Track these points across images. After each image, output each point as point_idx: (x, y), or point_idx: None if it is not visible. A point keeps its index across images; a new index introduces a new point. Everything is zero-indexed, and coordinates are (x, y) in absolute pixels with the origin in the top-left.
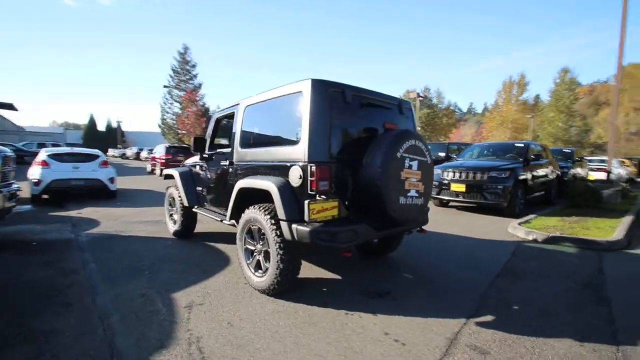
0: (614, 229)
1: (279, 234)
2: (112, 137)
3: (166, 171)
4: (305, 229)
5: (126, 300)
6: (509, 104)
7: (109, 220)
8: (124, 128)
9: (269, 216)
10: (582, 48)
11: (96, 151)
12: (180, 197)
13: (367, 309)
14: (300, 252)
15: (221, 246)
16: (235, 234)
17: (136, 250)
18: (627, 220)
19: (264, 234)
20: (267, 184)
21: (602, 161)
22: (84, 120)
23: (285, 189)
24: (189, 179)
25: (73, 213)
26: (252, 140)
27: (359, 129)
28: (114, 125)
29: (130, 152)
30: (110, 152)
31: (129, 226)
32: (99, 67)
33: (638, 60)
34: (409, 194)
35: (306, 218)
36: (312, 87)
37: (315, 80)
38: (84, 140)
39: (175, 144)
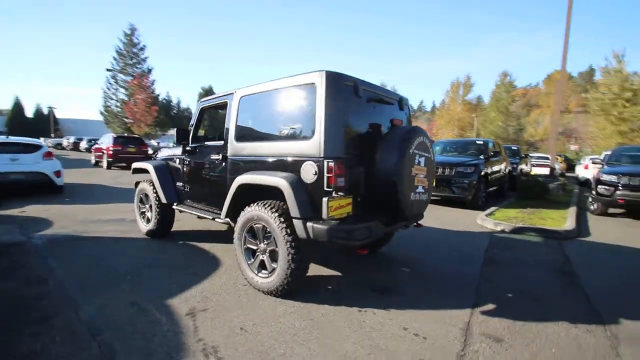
0: (564, 219)
1: (289, 232)
2: (43, 124)
3: (137, 165)
4: (322, 227)
5: (115, 311)
6: (456, 104)
7: (63, 219)
8: (57, 114)
9: (276, 214)
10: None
11: (38, 141)
12: (156, 193)
13: (378, 305)
14: (310, 251)
15: (204, 245)
16: (219, 231)
17: (108, 253)
18: (572, 211)
19: (269, 233)
20: (276, 180)
21: (540, 157)
22: (6, 105)
23: (298, 185)
24: (166, 174)
25: (15, 212)
26: (251, 133)
27: (368, 124)
28: (45, 111)
29: (66, 142)
30: (42, 142)
31: (90, 226)
32: (24, 41)
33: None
34: (417, 190)
35: (325, 216)
36: (327, 79)
37: (330, 72)
38: (8, 128)
39: (125, 134)
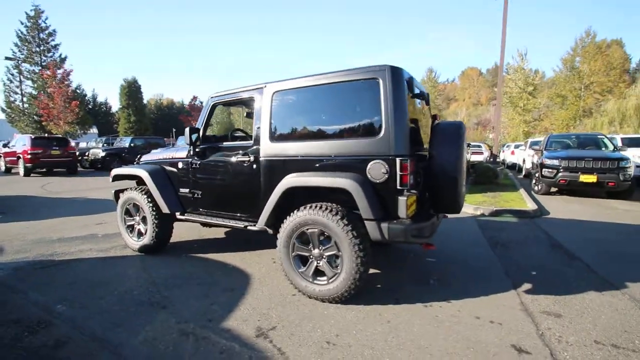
0: (522, 200)
1: (355, 235)
2: None
3: (118, 171)
4: (399, 227)
5: (170, 345)
6: None
7: (10, 242)
8: None
9: (338, 217)
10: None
11: None
12: (152, 202)
13: (437, 298)
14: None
15: (214, 256)
16: (217, 239)
17: (105, 277)
18: (522, 192)
19: (327, 238)
20: (343, 181)
21: (475, 146)
22: None
23: (367, 185)
24: (166, 180)
25: None
26: (294, 132)
27: (416, 119)
28: None
29: None
30: None
31: (55, 247)
32: None
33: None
34: (464, 183)
35: (403, 215)
36: (392, 74)
37: (394, 67)
38: None
39: (46, 135)
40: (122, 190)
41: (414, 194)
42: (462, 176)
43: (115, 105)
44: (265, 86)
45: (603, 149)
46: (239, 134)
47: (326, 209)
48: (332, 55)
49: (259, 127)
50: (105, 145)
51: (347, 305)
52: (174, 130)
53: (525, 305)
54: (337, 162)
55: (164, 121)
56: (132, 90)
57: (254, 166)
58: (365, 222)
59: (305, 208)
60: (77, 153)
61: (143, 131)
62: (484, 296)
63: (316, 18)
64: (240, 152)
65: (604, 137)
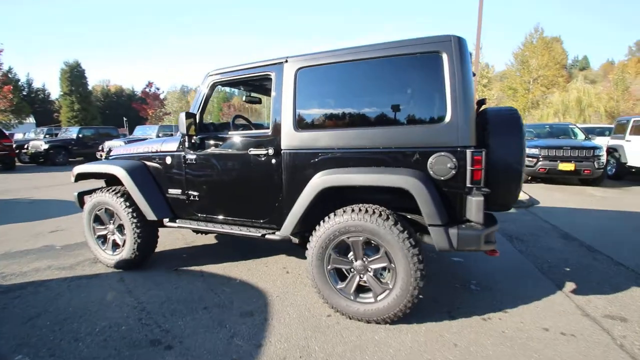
0: None
1: (413, 243)
2: None
3: (84, 168)
4: (472, 233)
5: None
6: None
7: None
8: None
9: (390, 222)
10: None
11: None
12: (132, 207)
13: (492, 308)
14: None
15: (213, 268)
16: (207, 245)
17: (78, 308)
18: None
19: (374, 247)
20: (401, 180)
21: None
22: None
23: (431, 184)
24: (149, 179)
25: None
26: (324, 118)
27: None
28: None
29: None
30: None
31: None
32: None
33: None
34: None
35: (475, 218)
36: (459, 46)
37: (459, 37)
38: None
39: None
40: (88, 192)
41: (486, 193)
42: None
43: (55, 92)
44: (286, 61)
45: (574, 137)
46: (241, 121)
47: (374, 212)
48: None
49: (278, 113)
50: (47, 136)
51: (397, 326)
52: (125, 119)
53: (584, 310)
54: (386, 156)
55: (112, 109)
56: (74, 75)
57: (273, 161)
58: (430, 228)
59: (345, 212)
60: (14, 146)
61: (90, 120)
62: (536, 301)
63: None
64: (255, 143)
65: (574, 126)
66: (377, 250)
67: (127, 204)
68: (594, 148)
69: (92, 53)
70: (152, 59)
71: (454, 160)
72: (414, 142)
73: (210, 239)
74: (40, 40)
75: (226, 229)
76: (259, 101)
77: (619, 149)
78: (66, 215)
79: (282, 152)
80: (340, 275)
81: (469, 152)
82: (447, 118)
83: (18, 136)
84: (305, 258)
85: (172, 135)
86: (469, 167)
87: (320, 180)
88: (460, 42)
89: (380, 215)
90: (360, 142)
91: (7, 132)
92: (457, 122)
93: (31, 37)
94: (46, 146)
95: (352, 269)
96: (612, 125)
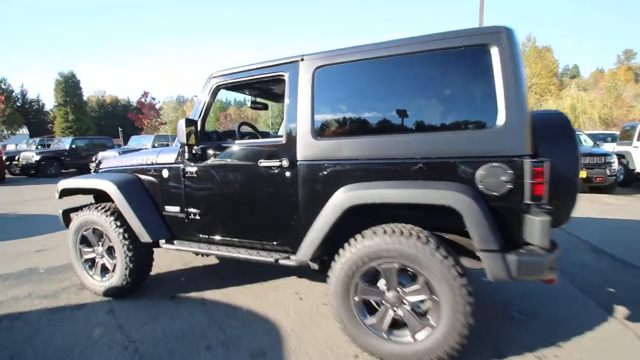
0: None
1: (461, 272)
2: None
3: (69, 183)
4: (535, 260)
5: None
6: None
7: None
8: None
9: (431, 246)
10: None
11: None
12: (123, 228)
13: (543, 341)
14: None
15: (215, 295)
16: (204, 267)
17: (61, 349)
18: None
19: (411, 275)
20: (446, 196)
21: None
22: None
23: (482, 201)
24: (144, 195)
25: None
26: (348, 124)
27: None
28: None
29: None
30: None
31: None
32: None
33: None
34: None
35: (538, 242)
36: (510, 38)
37: (510, 28)
38: None
39: None
40: (74, 210)
41: (549, 211)
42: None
43: (49, 103)
44: (301, 59)
45: (581, 144)
46: (247, 129)
47: (410, 234)
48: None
49: (293, 119)
50: (39, 147)
51: None
52: (120, 129)
53: None
54: (424, 168)
55: (108, 120)
56: (69, 86)
57: (288, 173)
58: (482, 254)
59: (376, 234)
60: (5, 157)
61: (84, 131)
62: (590, 331)
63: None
64: (265, 154)
65: (581, 133)
66: (415, 279)
67: (118, 223)
68: (605, 155)
69: (88, 64)
70: (149, 69)
71: (510, 171)
72: (459, 151)
73: (211, 259)
74: (35, 53)
75: (232, 253)
76: (266, 107)
77: (627, 155)
78: (54, 232)
79: (297, 163)
80: (370, 308)
81: (527, 162)
82: (500, 121)
83: (10, 147)
84: (319, 280)
85: (167, 145)
86: (528, 180)
87: (345, 197)
88: (511, 34)
89: (418, 237)
90: (391, 152)
91: None
92: (512, 126)
93: (26, 49)
94: (37, 157)
95: (384, 301)
96: (611, 132)
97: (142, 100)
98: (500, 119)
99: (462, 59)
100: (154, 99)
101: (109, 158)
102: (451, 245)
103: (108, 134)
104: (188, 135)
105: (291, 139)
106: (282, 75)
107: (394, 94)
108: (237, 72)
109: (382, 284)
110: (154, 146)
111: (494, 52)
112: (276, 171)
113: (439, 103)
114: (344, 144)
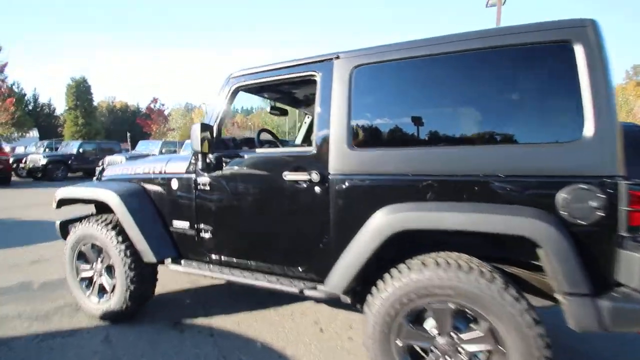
0: None
1: (535, 318)
2: None
3: (67, 192)
4: (636, 307)
5: None
6: None
7: None
8: None
9: (498, 284)
10: None
11: None
12: (124, 243)
13: None
14: None
15: (225, 322)
16: (211, 287)
17: None
18: None
19: (469, 317)
20: (520, 223)
21: None
22: None
23: (566, 232)
24: (149, 207)
25: None
26: (393, 133)
27: None
28: None
29: None
30: None
31: None
32: None
33: None
34: None
35: (638, 283)
36: (597, 34)
37: (596, 21)
38: None
39: None
40: (72, 222)
41: None
42: None
43: (60, 107)
44: (336, 57)
45: None
46: (267, 137)
47: (470, 268)
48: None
49: (325, 125)
50: (47, 150)
51: None
52: (128, 134)
53: None
54: (489, 187)
55: (117, 125)
56: (80, 91)
57: (317, 189)
58: (566, 298)
59: (426, 265)
60: (12, 160)
61: (94, 135)
62: None
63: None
64: (291, 165)
65: None
66: (475, 323)
67: (120, 239)
68: None
69: (99, 71)
70: (158, 77)
71: (601, 195)
72: (535, 169)
73: (213, 282)
74: (53, 59)
75: (247, 279)
76: (286, 113)
77: None
78: (53, 241)
79: (329, 177)
80: (414, 355)
81: (622, 184)
82: (587, 132)
83: (19, 150)
84: (340, 307)
85: (175, 151)
86: (623, 207)
87: (390, 220)
88: (597, 27)
89: (481, 273)
90: (447, 167)
91: (7, 145)
92: (603, 138)
93: (39, 53)
94: (44, 161)
95: (433, 348)
96: None
97: (151, 106)
98: (588, 130)
99: (539, 58)
100: (162, 105)
101: (114, 164)
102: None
103: (117, 138)
104: (202, 142)
105: (322, 148)
106: (313, 76)
107: (451, 98)
108: (260, 72)
109: (431, 325)
110: (161, 152)
111: (579, 49)
112: (303, 186)
113: (510, 110)
114: (387, 156)
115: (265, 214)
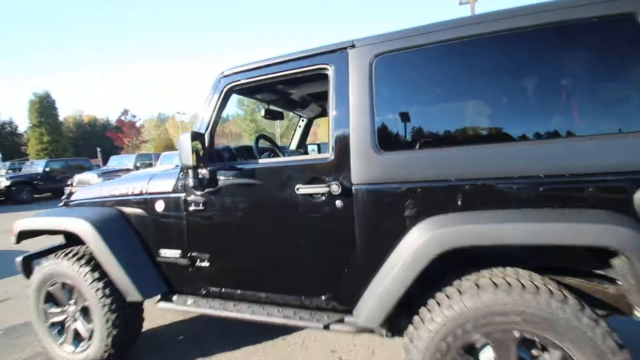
0: None
1: (619, 343)
2: None
3: (30, 223)
4: None
5: None
6: None
7: None
8: None
9: (573, 306)
10: None
11: None
12: (101, 280)
13: None
14: None
15: None
16: (205, 322)
17: None
18: None
19: (540, 348)
20: (602, 232)
21: None
22: None
23: None
24: (130, 236)
25: None
26: (428, 129)
27: None
28: None
29: None
30: None
31: None
32: None
33: None
34: None
35: None
36: None
37: None
38: None
39: None
40: (37, 256)
41: None
42: None
43: (23, 125)
44: (352, 46)
45: None
46: (266, 144)
47: (537, 288)
48: None
49: (344, 124)
50: (10, 171)
51: None
52: (99, 149)
53: None
54: (553, 189)
55: (86, 140)
56: (44, 106)
57: (338, 203)
58: None
59: (482, 288)
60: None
61: (61, 152)
62: None
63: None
64: (305, 176)
65: None
66: (542, 351)
67: (96, 275)
68: None
69: (64, 83)
70: (128, 87)
71: None
72: (608, 165)
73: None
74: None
75: (258, 315)
76: (281, 116)
77: None
78: (20, 275)
79: (353, 188)
80: None
81: None
82: None
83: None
84: (360, 331)
85: (151, 165)
86: None
87: (437, 237)
88: None
89: (550, 293)
90: (500, 168)
91: None
92: None
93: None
94: (7, 182)
95: None
96: None
97: (122, 118)
98: None
99: (605, 34)
100: (134, 116)
101: (85, 183)
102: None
103: (86, 154)
104: (193, 154)
105: (342, 154)
106: (324, 69)
107: (500, 86)
108: (257, 67)
109: (489, 358)
110: (136, 166)
111: None
112: (321, 200)
113: (577, 96)
114: (423, 158)
115: (275, 235)
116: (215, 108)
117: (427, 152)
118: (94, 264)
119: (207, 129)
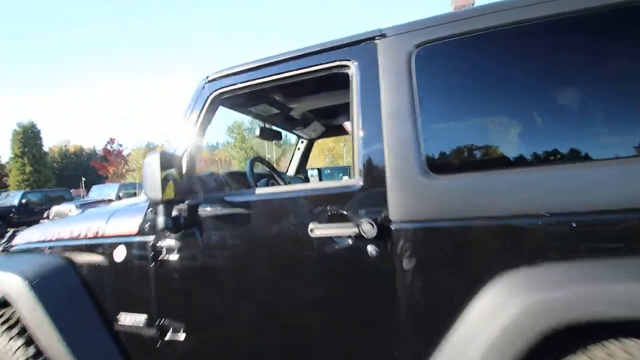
0: None
1: None
2: None
3: None
4: None
5: None
6: None
7: None
8: None
9: None
10: None
11: None
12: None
13: None
14: None
15: None
16: None
17: None
18: None
19: None
20: None
21: None
22: None
23: None
24: (77, 295)
25: None
26: (504, 145)
27: None
28: None
29: None
30: None
31: None
32: None
33: None
34: None
35: None
36: None
37: None
38: None
39: None
40: None
41: None
42: None
43: (5, 155)
44: (381, 36)
45: None
46: (265, 169)
47: None
48: None
49: (376, 140)
50: None
51: None
52: (83, 179)
53: None
54: None
55: (70, 170)
56: (28, 137)
57: (371, 250)
58: None
59: None
60: None
61: (43, 183)
62: None
63: None
64: (322, 211)
65: None
66: None
67: (29, 352)
68: None
69: (51, 113)
70: (117, 114)
71: None
72: None
73: None
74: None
75: None
76: (279, 136)
77: None
78: None
79: (393, 228)
80: None
81: None
82: None
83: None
84: None
85: (135, 195)
86: None
87: (543, 305)
88: None
89: None
90: (627, 197)
91: None
92: None
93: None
94: None
95: None
96: None
97: (108, 147)
98: None
99: None
100: (120, 145)
101: (28, 230)
102: None
103: (71, 184)
104: (164, 184)
105: (374, 180)
106: (343, 67)
107: (613, 78)
108: (252, 69)
109: None
110: (118, 196)
111: None
112: (347, 244)
113: None
114: (499, 183)
115: (280, 295)
116: (197, 122)
117: (505, 174)
118: (28, 337)
119: (185, 150)
